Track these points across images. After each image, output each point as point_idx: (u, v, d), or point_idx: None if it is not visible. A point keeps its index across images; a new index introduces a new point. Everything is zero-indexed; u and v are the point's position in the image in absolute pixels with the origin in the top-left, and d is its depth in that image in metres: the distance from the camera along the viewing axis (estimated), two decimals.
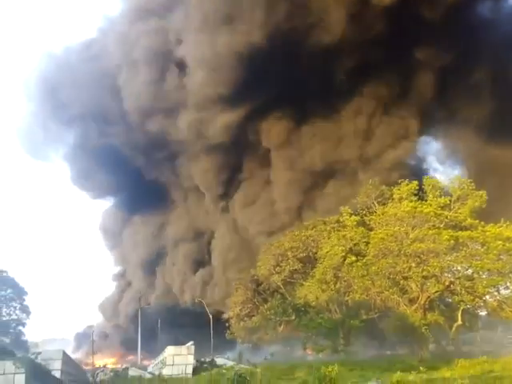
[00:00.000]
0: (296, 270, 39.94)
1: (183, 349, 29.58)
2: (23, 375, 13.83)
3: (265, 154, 60.29)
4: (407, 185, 34.78)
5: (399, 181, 35.74)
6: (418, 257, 31.25)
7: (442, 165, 62.03)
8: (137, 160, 64.23)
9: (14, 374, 13.82)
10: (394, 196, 35.10)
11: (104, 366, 47.14)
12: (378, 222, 35.13)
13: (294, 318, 38.02)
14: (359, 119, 55.00)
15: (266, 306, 40.55)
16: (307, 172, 55.57)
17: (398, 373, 18.36)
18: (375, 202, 37.06)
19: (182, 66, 56.27)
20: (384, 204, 36.18)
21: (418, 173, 51.08)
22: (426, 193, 34.41)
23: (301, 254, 39.56)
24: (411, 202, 32.94)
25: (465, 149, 57.26)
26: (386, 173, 49.18)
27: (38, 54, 76.47)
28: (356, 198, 38.40)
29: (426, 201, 33.34)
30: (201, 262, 65.23)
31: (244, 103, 53.25)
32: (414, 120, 54.74)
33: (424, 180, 35.12)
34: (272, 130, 57.08)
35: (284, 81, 49.25)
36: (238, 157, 61.40)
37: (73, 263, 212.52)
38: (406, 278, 32.13)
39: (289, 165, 56.67)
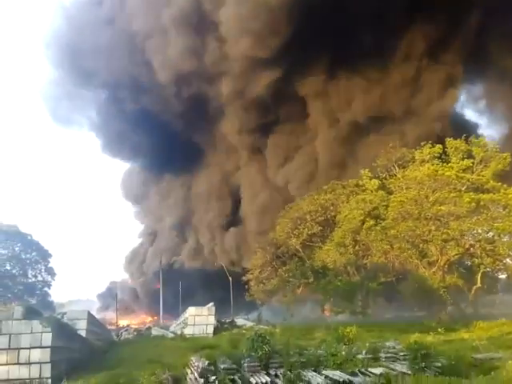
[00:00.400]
0: (314, 233, 40.06)
1: (204, 309, 30.17)
2: (50, 334, 14.25)
3: (303, 108, 58.38)
4: (430, 147, 34.12)
5: (422, 143, 35.05)
6: (438, 220, 31.01)
7: (481, 116, 59.87)
8: (168, 122, 62.96)
9: (42, 332, 14.23)
10: (416, 158, 34.53)
11: (128, 326, 48.66)
12: (398, 185, 34.74)
13: (312, 280, 38.41)
14: (407, 66, 52.58)
15: (284, 269, 40.99)
16: (349, 123, 53.81)
17: (416, 334, 18.54)
18: (395, 165, 36.55)
19: (220, 30, 53.51)
20: (404, 167, 35.68)
21: (460, 123, 49.97)
22: (448, 155, 33.78)
23: (319, 218, 39.57)
24: (433, 165, 32.45)
25: (503, 100, 54.69)
26: (430, 124, 47.78)
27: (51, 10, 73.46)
28: (376, 161, 37.89)
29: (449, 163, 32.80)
30: (232, 221, 65.18)
31: (287, 59, 51.10)
32: (458, 67, 52.49)
33: (447, 142, 34.34)
34: (313, 82, 55.03)
35: (331, 28, 47.14)
36: (275, 113, 59.75)
37: (96, 225, 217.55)
38: (425, 241, 32.00)
39: (330, 117, 55.14)
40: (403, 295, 33.93)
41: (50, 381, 13.46)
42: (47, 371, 13.70)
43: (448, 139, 34.47)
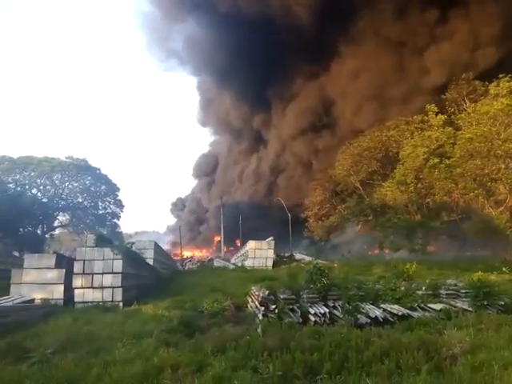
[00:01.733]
0: (375, 170, 39.28)
1: (264, 243, 30.92)
2: (121, 261, 15.19)
3: None
4: (508, 81, 31.47)
5: (500, 75, 32.34)
6: (510, 158, 29.34)
7: None
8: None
9: (113, 259, 15.19)
10: (491, 92, 32.08)
11: (191, 257, 51.02)
12: (468, 120, 32.81)
13: (371, 218, 38.13)
14: None
15: (343, 206, 40.86)
16: None
17: (479, 273, 18.15)
18: (466, 99, 34.39)
19: None
20: (476, 101, 33.44)
21: None
22: None
23: (379, 155, 38.59)
24: (508, 99, 30.08)
25: None
26: None
27: None
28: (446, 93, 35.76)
29: None
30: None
31: None
32: None
33: None
34: None
35: None
36: None
37: (161, 160, 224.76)
38: (493, 180, 30.51)
39: None
40: (467, 234, 33.00)
41: (121, 304, 14.47)
42: (119, 295, 14.72)
43: None
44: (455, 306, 12.23)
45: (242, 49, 60.47)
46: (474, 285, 12.78)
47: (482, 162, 29.90)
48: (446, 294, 13.52)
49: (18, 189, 46.20)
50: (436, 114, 35.63)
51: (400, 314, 11.40)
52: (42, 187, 48.31)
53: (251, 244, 30.88)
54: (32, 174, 46.77)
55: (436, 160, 32.85)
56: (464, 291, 13.44)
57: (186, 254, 60.40)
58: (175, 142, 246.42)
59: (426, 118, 36.84)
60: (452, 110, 35.27)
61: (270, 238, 31.91)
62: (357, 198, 40.33)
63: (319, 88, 62.89)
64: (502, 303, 12.08)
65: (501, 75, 32.08)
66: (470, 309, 11.81)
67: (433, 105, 36.28)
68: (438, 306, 12.10)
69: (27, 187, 47.16)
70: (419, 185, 34.46)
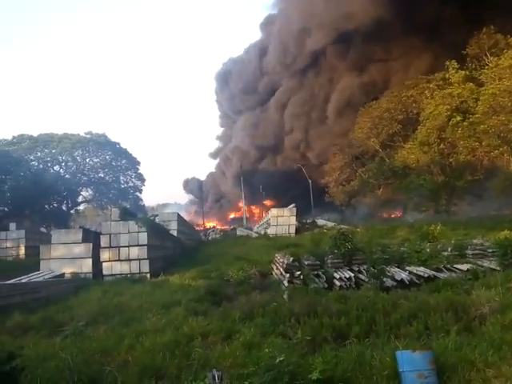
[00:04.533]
0: (395, 132, 38.51)
1: (286, 211, 30.96)
2: (146, 233, 15.44)
3: None
4: None
5: None
6: None
7: None
8: None
9: (138, 232, 15.46)
10: None
11: (214, 227, 51.47)
12: (490, 76, 31.67)
13: (392, 180, 37.66)
14: None
15: (363, 170, 40.40)
16: None
17: (506, 231, 17.88)
18: (488, 54, 33.17)
19: None
20: (498, 55, 32.24)
21: None
22: None
23: (399, 116, 37.69)
24: None
25: None
26: None
27: None
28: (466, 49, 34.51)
29: None
30: None
31: None
32: None
33: None
34: None
35: None
36: None
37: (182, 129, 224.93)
38: None
39: None
40: (492, 193, 32.37)
41: (148, 275, 14.77)
42: (146, 266, 15.02)
43: None
44: (482, 266, 12.12)
45: None
46: (500, 243, 12.60)
47: (507, 117, 28.99)
48: (473, 254, 13.41)
49: (41, 166, 46.92)
50: (456, 71, 34.48)
51: (426, 275, 11.35)
52: (63, 164, 48.95)
53: (273, 212, 30.94)
54: (53, 151, 47.35)
55: (459, 118, 31.99)
56: (491, 250, 13.30)
57: (209, 224, 60.95)
58: (195, 110, 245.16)
59: (446, 75, 35.65)
60: (473, 66, 34.04)
61: (292, 205, 31.93)
62: (378, 160, 39.76)
63: None
64: None
65: None
66: (498, 268, 11.67)
67: (453, 61, 35.08)
68: (464, 267, 12.01)
69: (49, 164, 47.83)
70: (442, 145, 33.74)
